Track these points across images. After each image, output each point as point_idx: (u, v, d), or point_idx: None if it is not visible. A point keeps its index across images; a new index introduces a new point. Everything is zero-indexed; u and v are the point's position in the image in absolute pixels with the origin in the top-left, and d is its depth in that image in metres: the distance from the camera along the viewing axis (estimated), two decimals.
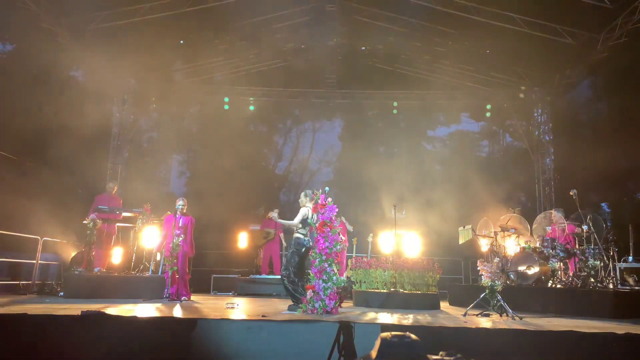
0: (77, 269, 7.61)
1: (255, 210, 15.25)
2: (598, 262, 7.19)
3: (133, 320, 4.04)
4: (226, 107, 14.36)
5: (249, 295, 9.56)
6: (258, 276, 10.15)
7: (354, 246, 10.38)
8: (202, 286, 10.52)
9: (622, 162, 11.80)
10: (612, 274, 7.46)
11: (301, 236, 6.38)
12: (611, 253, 7.54)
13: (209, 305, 6.63)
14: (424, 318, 5.57)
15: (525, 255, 7.97)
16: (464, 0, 10.14)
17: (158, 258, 8.01)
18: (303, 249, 6.34)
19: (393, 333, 1.55)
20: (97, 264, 8.18)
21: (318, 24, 12.04)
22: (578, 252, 7.53)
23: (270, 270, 10.79)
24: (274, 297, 9.26)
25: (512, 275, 7.92)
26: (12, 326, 3.69)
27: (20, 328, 3.68)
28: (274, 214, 6.91)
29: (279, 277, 10.16)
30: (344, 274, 9.39)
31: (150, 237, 8.08)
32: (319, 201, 6.06)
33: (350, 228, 10.59)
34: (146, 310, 5.59)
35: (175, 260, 7.40)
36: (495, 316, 5.96)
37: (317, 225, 5.98)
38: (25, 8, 9.17)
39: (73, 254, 8.73)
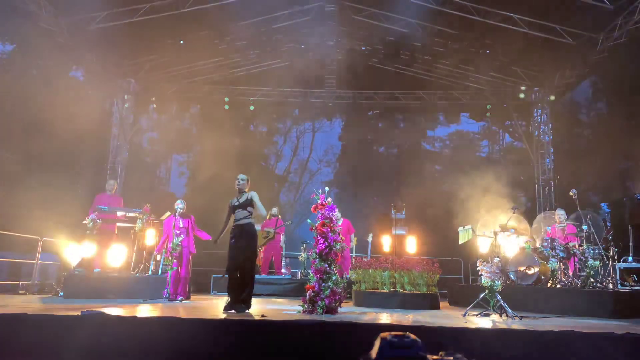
0: (77, 269, 7.61)
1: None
2: (598, 262, 7.19)
3: (133, 320, 4.04)
4: (226, 107, 14.37)
5: None
6: (258, 276, 10.13)
7: (354, 246, 10.39)
8: (202, 286, 10.52)
9: (622, 162, 11.82)
10: (611, 274, 7.46)
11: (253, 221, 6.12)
12: (611, 253, 7.54)
13: (209, 305, 6.63)
14: (424, 318, 5.57)
15: (525, 255, 7.97)
16: (464, 0, 10.14)
17: (158, 258, 8.00)
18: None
19: (393, 333, 1.55)
20: (97, 264, 8.17)
21: (318, 24, 12.05)
22: (578, 252, 7.53)
23: (270, 270, 10.79)
24: (273, 297, 9.26)
25: (512, 275, 7.92)
26: (12, 326, 3.69)
27: (20, 328, 3.68)
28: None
29: (280, 277, 10.23)
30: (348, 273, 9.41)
31: (150, 237, 8.08)
32: (319, 201, 6.05)
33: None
34: (146, 310, 5.59)
35: (175, 261, 7.40)
36: (495, 316, 5.96)
37: (317, 225, 5.98)
38: (25, 8, 9.18)
39: (78, 259, 8.68)
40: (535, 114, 13.57)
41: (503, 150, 16.40)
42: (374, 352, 1.52)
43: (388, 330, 1.71)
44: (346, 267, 9.90)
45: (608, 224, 8.65)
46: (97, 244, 8.08)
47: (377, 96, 14.39)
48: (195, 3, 10.28)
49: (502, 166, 15.15)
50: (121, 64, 12.27)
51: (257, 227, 11.01)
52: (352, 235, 10.42)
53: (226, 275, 5.95)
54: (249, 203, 6.00)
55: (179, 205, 7.77)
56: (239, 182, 6.13)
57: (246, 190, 6.13)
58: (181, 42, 11.63)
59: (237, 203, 6.06)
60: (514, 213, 8.40)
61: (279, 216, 11.08)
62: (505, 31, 10.53)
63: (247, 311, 5.69)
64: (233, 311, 5.62)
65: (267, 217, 11.08)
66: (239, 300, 5.76)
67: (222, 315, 5.13)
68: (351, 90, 14.20)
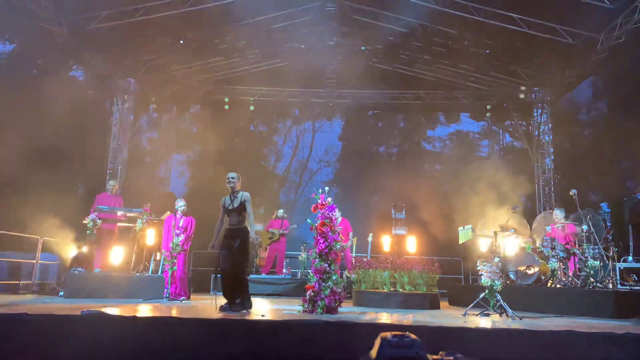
0: (77, 269, 7.62)
1: (255, 210, 15.30)
2: (598, 262, 7.19)
3: (133, 320, 4.04)
4: (226, 107, 14.37)
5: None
6: (258, 276, 10.15)
7: (354, 246, 10.40)
8: (202, 286, 10.52)
9: (622, 162, 11.83)
10: (612, 274, 7.46)
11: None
12: (611, 253, 7.54)
13: (209, 305, 6.62)
14: (424, 318, 5.57)
15: (525, 255, 7.97)
16: (464, 0, 10.14)
17: (158, 258, 8.01)
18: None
19: (393, 333, 1.55)
20: (97, 264, 8.18)
21: (318, 24, 12.04)
22: (578, 252, 7.54)
23: (271, 270, 10.80)
24: (273, 297, 9.26)
25: (512, 275, 7.92)
26: (12, 326, 3.68)
27: (20, 328, 3.68)
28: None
29: (280, 277, 10.23)
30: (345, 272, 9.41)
31: (150, 237, 8.07)
32: (319, 201, 6.05)
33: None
34: (146, 310, 5.59)
35: (175, 260, 7.41)
36: (495, 316, 5.96)
37: (317, 225, 5.97)
38: (25, 8, 9.18)
39: (73, 254, 8.73)
40: (535, 114, 13.56)
41: (503, 150, 16.40)
42: (374, 352, 1.52)
43: (388, 330, 1.71)
44: (347, 263, 9.90)
45: (608, 224, 8.65)
46: (98, 244, 8.08)
47: (377, 96, 14.38)
48: (195, 3, 10.27)
49: (502, 166, 15.15)
50: (121, 64, 12.26)
51: (260, 226, 11.05)
52: (351, 234, 10.44)
53: (219, 276, 5.84)
54: (244, 207, 5.88)
55: (180, 204, 7.79)
56: (230, 180, 5.94)
57: (238, 188, 5.97)
58: (181, 42, 11.63)
59: (231, 207, 5.87)
60: (514, 213, 8.41)
61: (285, 216, 11.07)
62: (505, 31, 10.52)
63: (245, 311, 5.66)
64: (231, 312, 5.60)
65: (273, 217, 11.09)
66: (235, 301, 5.73)
67: (222, 316, 5.13)
68: (351, 90, 14.19)
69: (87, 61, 11.64)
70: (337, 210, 10.55)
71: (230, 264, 5.77)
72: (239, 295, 5.76)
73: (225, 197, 6.02)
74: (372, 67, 13.47)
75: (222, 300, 5.77)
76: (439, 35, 11.81)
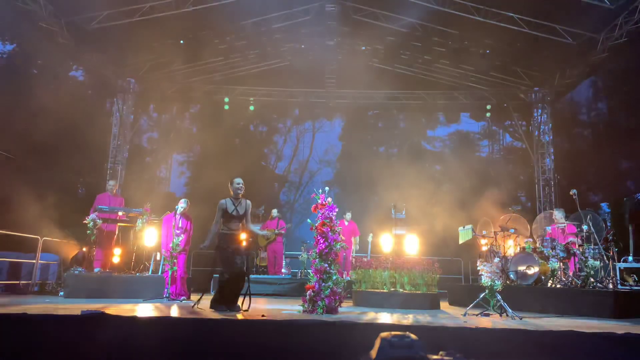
0: (77, 269, 7.61)
1: (255, 210, 15.29)
2: (598, 262, 7.19)
3: (133, 320, 4.04)
4: (226, 107, 14.37)
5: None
6: (258, 276, 10.14)
7: (355, 248, 10.42)
8: (202, 286, 10.50)
9: (622, 162, 11.83)
10: (612, 274, 7.46)
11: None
12: (611, 253, 7.54)
13: (209, 305, 6.62)
14: (424, 318, 5.57)
15: (525, 255, 7.97)
16: (464, 0, 10.14)
17: (158, 258, 8.01)
18: None
19: (393, 333, 1.55)
20: (97, 264, 8.18)
21: (318, 24, 12.05)
22: (578, 252, 7.53)
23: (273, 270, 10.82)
24: (273, 297, 9.26)
25: (512, 275, 7.92)
26: (12, 326, 3.68)
27: (20, 328, 3.68)
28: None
29: (280, 277, 10.23)
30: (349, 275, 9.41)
31: (150, 237, 8.07)
32: (319, 201, 6.05)
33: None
34: (146, 310, 5.59)
35: (175, 260, 7.41)
36: (495, 316, 5.96)
37: (317, 225, 5.97)
38: (25, 8, 9.18)
39: (73, 254, 8.74)
40: (535, 114, 13.57)
41: (503, 150, 16.40)
42: (374, 352, 1.52)
43: (388, 330, 1.71)
44: (347, 268, 9.92)
45: (608, 224, 8.65)
46: (98, 244, 8.08)
47: (377, 96, 14.38)
48: (195, 3, 10.28)
49: (502, 166, 15.16)
50: (121, 64, 12.26)
51: (257, 227, 11.05)
52: (357, 238, 10.47)
53: (226, 276, 5.90)
54: (246, 214, 5.98)
55: (181, 204, 7.77)
56: (241, 187, 5.95)
57: (241, 195, 6.01)
58: (181, 42, 11.63)
59: (235, 213, 5.87)
60: (514, 213, 8.40)
61: (279, 215, 11.10)
62: (505, 31, 10.52)
63: (240, 311, 5.72)
64: (229, 311, 5.63)
65: (269, 218, 11.11)
66: (235, 301, 5.80)
67: (222, 316, 5.13)
68: (351, 90, 14.19)
69: (87, 61, 11.65)
70: (348, 212, 10.64)
71: (239, 267, 5.88)
72: (237, 296, 5.84)
73: (225, 200, 5.95)
74: (372, 67, 13.47)
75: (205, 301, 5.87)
76: (439, 35, 11.81)
